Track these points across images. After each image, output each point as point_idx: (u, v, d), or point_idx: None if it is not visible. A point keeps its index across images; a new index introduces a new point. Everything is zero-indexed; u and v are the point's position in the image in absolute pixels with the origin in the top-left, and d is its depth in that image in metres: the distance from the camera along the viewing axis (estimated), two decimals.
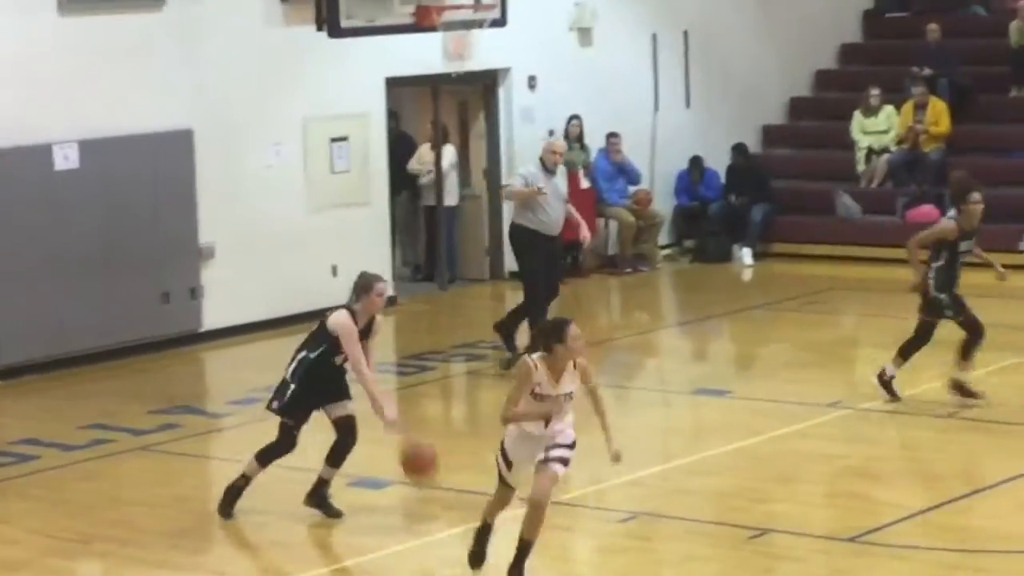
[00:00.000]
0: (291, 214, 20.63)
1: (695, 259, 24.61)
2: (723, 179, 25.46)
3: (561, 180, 18.46)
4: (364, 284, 12.92)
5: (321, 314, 13.29)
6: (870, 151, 25.30)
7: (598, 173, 23.77)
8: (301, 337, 13.84)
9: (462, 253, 23.62)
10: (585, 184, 23.50)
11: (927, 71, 25.80)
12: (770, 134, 27.02)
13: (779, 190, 25.34)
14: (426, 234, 23.45)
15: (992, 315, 19.80)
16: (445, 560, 11.85)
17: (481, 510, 11.16)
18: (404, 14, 20.54)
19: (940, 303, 15.50)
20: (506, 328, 18.29)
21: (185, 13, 19.35)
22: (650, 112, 25.02)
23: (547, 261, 18.33)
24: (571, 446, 10.71)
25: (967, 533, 12.41)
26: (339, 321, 12.77)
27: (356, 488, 13.83)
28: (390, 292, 21.60)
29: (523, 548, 10.67)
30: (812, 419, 15.19)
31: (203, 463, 15.94)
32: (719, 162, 25.53)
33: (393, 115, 22.38)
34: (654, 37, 25.16)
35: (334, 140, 21.19)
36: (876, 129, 25.32)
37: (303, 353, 13.03)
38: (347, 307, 12.87)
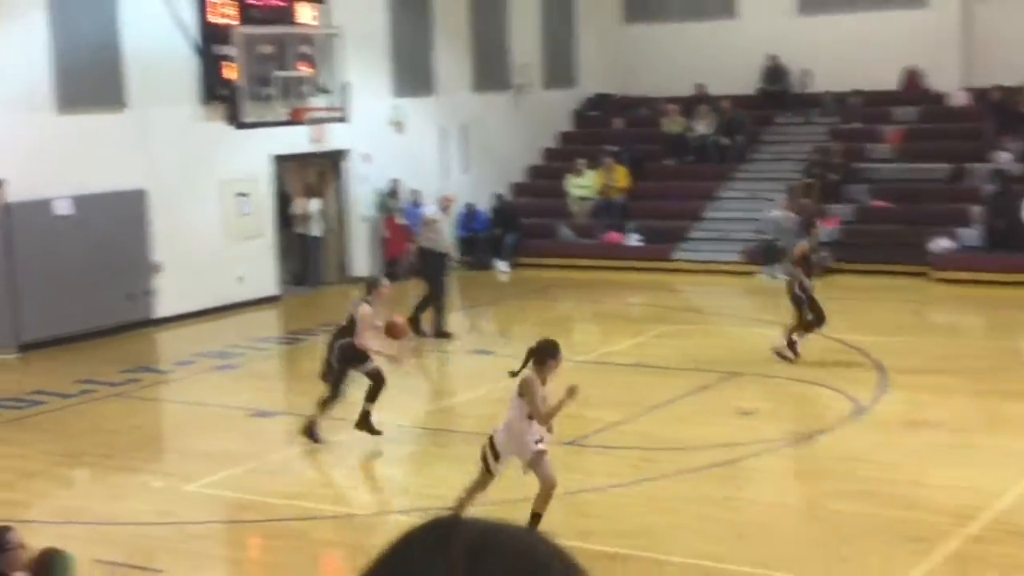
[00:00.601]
0: (212, 243, 20.59)
1: (471, 269, 24.88)
2: (489, 216, 25.74)
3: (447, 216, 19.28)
4: (373, 282, 13.28)
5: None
6: (579, 199, 25.89)
7: (407, 215, 24.16)
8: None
9: (323, 266, 23.66)
10: (402, 222, 23.81)
11: (614, 148, 26.50)
12: (518, 187, 27.10)
13: (524, 224, 25.55)
14: (300, 254, 23.51)
15: (656, 299, 20.50)
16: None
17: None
18: (283, 114, 20.79)
19: None
20: (416, 318, 17.72)
21: (140, 113, 19.33)
22: (441, 176, 25.25)
23: (442, 270, 18.49)
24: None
25: (645, 437, 12.68)
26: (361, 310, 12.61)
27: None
28: (276, 292, 21.91)
29: (537, 520, 9.57)
30: None
31: (157, 404, 15.95)
32: (485, 206, 25.75)
33: (278, 179, 22.46)
34: (443, 129, 25.49)
35: (239, 195, 21.15)
36: (582, 185, 25.82)
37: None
38: (364, 300, 12.82)
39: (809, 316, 15.77)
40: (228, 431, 13.60)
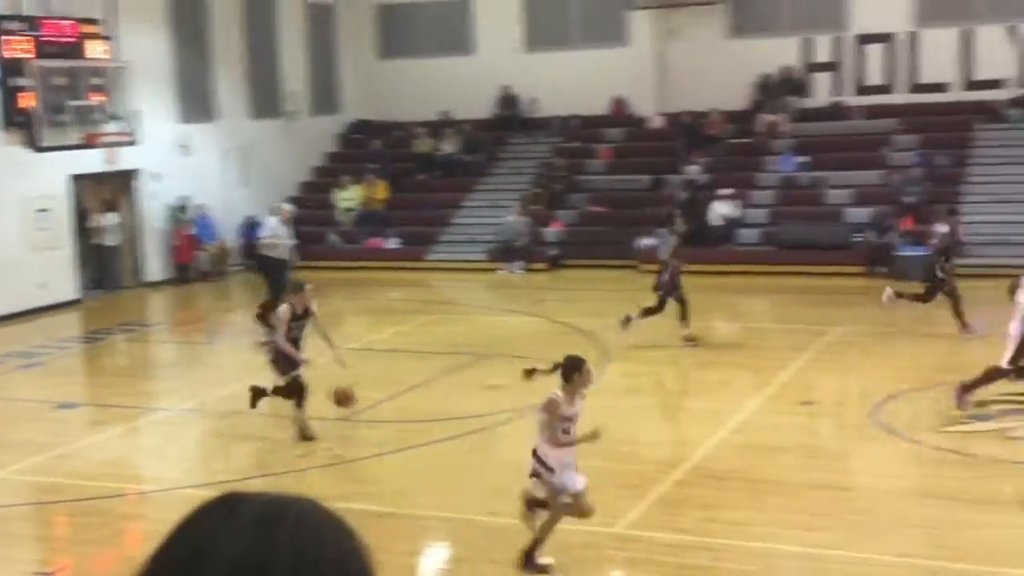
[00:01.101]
0: (14, 254, 19.67)
1: (252, 271, 24.47)
2: None
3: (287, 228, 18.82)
4: (297, 286, 11.89)
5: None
6: (345, 210, 25.76)
7: (197, 226, 23.62)
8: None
9: (120, 272, 22.77)
10: (190, 232, 23.26)
11: (374, 166, 26.48)
12: (292, 201, 26.68)
13: (299, 232, 25.09)
14: (98, 262, 22.63)
15: (462, 294, 20.54)
16: None
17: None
18: (79, 138, 20.05)
19: None
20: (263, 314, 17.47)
21: None
22: (225, 191, 24.80)
23: (282, 273, 17.80)
24: None
25: (407, 411, 12.63)
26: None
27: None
28: (77, 296, 21.04)
29: (533, 548, 8.16)
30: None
31: None
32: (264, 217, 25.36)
33: (77, 196, 21.57)
34: (224, 150, 24.98)
35: (40, 211, 20.23)
36: (347, 197, 25.74)
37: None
38: (288, 302, 11.56)
39: (652, 305, 15.68)
40: (35, 422, 12.98)
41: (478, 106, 27.06)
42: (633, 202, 24.20)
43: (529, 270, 23.02)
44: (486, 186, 26.07)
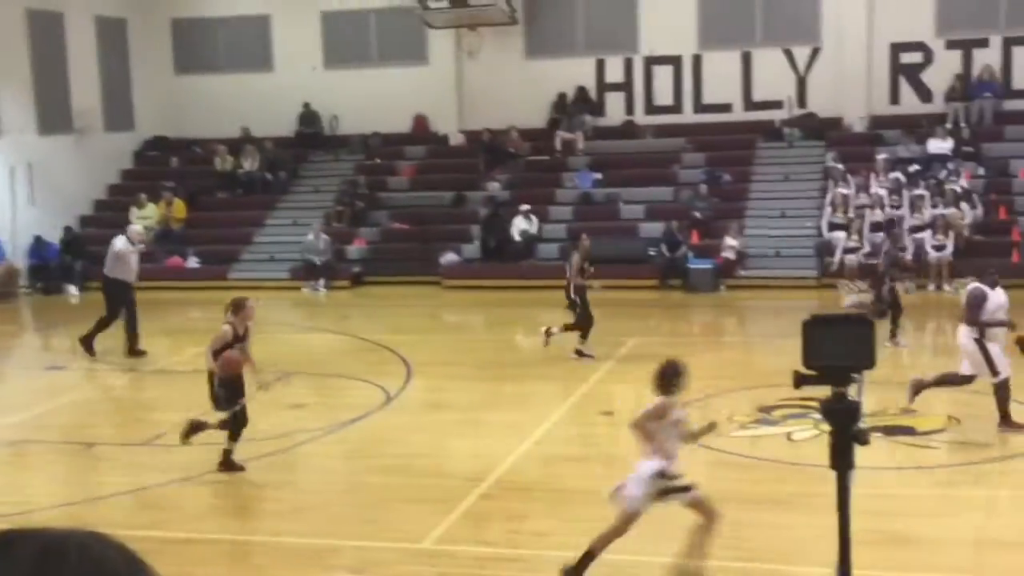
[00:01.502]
0: None
1: (44, 294, 23.56)
2: (59, 246, 24.30)
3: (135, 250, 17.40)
4: (238, 303, 10.60)
5: None
6: (143, 228, 24.93)
7: None
8: None
9: None
10: None
11: (171, 184, 25.76)
12: (85, 220, 25.76)
13: (92, 252, 23.74)
14: None
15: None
16: None
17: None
18: None
19: None
20: (87, 340, 16.52)
21: None
22: (11, 211, 23.72)
23: (125, 298, 16.88)
24: None
25: (210, 434, 12.30)
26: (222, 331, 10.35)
27: None
28: None
29: (588, 560, 7.74)
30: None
31: None
32: (55, 237, 24.40)
33: None
34: (12, 169, 23.84)
35: None
36: (145, 216, 24.92)
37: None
38: (228, 322, 10.43)
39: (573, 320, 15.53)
40: None
41: (279, 123, 26.69)
42: (435, 219, 24.29)
43: (332, 288, 22.80)
44: (288, 204, 25.71)
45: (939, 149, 22.67)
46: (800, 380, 4.55)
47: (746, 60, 25.19)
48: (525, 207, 23.46)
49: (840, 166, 22.74)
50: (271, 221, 25.28)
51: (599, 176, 24.56)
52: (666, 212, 23.15)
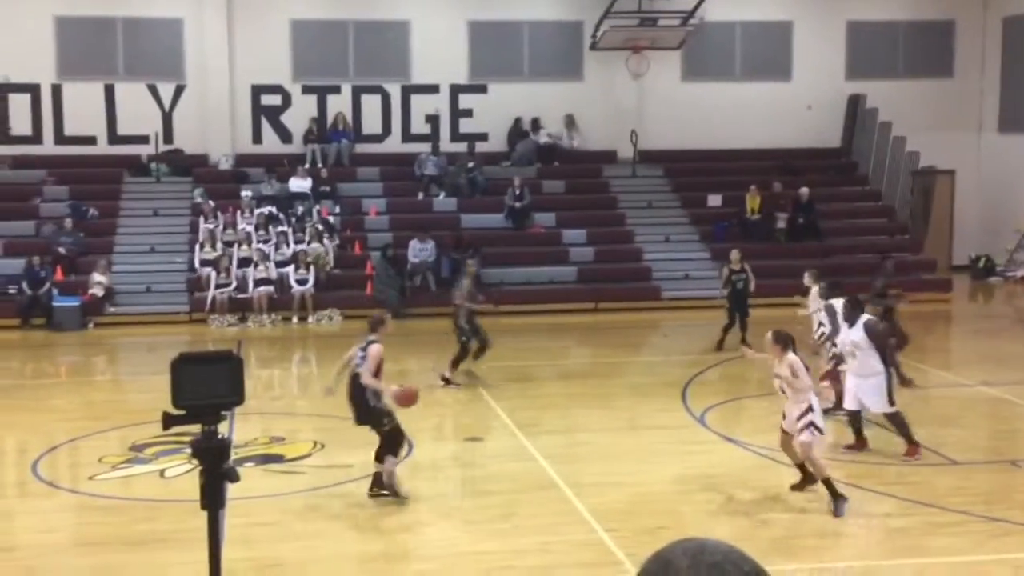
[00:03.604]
0: None
1: None
2: None
3: None
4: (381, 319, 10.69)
5: None
6: None
7: None
8: None
9: None
10: None
11: None
12: None
13: None
14: None
15: None
16: None
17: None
18: None
19: None
20: None
21: None
22: None
23: None
24: None
25: None
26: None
27: None
28: None
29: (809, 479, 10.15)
30: None
31: None
32: None
33: None
34: None
35: None
36: None
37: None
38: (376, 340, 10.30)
39: (473, 345, 15.15)
40: None
41: None
42: None
43: None
44: None
45: (300, 188, 23.68)
46: (169, 421, 4.51)
47: (109, 93, 24.49)
48: None
49: (209, 202, 22.90)
50: None
51: None
52: (27, 247, 21.74)
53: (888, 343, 11.62)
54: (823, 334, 13.35)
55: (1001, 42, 26.36)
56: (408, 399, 10.30)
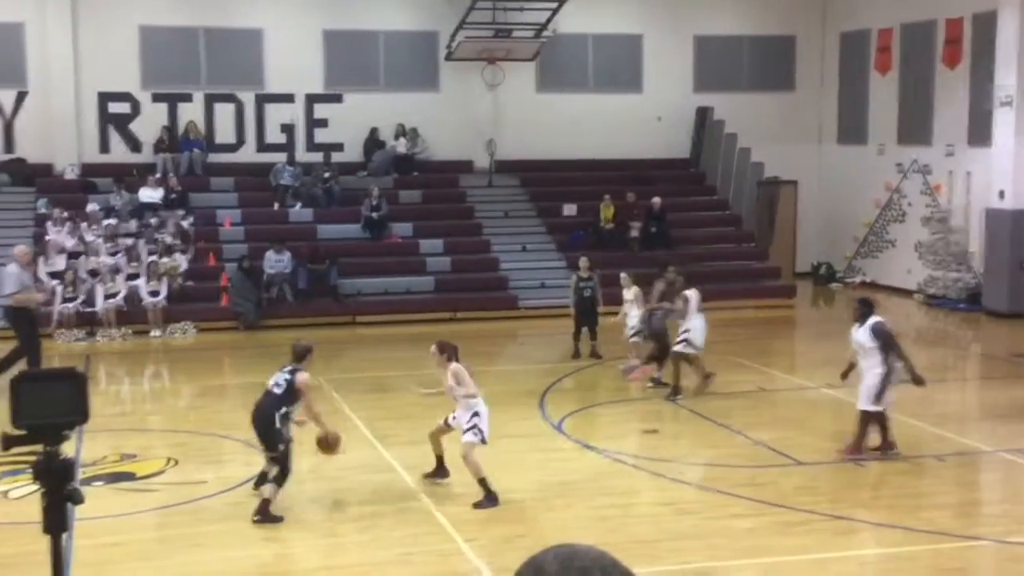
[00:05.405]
0: None
1: None
2: None
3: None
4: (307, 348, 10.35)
5: None
6: None
7: None
8: None
9: None
10: None
11: None
12: None
13: None
14: None
15: None
16: None
17: None
18: None
19: None
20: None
21: None
22: None
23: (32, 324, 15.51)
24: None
25: None
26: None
27: None
28: None
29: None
30: None
31: None
32: None
33: None
34: None
35: None
36: None
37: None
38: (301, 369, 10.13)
39: None
40: None
41: None
42: None
43: None
44: None
45: (150, 198, 22.99)
46: (9, 442, 4.29)
47: None
48: None
49: (55, 213, 22.06)
50: None
51: None
52: None
53: (896, 344, 11.72)
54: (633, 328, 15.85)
55: (839, 57, 27.36)
56: (334, 446, 10.40)
